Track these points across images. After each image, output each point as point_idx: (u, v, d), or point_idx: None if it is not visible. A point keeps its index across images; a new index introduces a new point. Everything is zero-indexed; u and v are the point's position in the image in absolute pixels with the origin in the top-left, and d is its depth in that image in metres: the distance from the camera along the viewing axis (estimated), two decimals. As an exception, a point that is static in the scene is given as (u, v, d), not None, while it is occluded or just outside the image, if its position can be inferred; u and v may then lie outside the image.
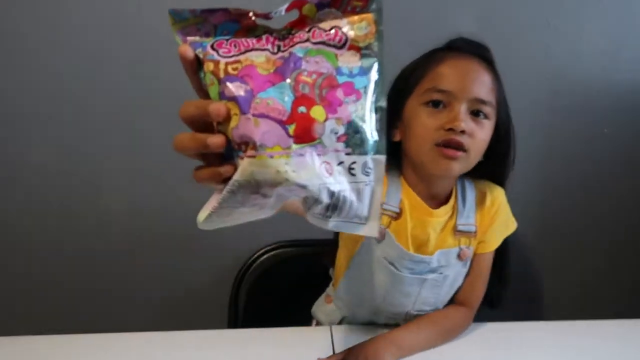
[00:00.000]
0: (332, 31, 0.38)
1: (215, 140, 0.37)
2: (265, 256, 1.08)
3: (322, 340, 0.82)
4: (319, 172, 0.37)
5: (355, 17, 0.39)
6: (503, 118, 0.80)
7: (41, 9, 1.20)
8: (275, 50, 0.38)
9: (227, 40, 0.38)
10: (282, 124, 0.35)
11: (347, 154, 0.38)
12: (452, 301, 0.87)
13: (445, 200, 0.82)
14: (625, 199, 1.41)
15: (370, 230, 0.41)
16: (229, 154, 0.38)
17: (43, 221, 1.32)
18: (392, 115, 0.79)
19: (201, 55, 0.38)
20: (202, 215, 0.40)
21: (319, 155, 0.37)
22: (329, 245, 0.93)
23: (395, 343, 0.77)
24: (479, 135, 0.74)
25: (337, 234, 0.91)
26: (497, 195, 0.85)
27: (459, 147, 0.72)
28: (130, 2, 1.21)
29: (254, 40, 0.38)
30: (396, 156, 0.82)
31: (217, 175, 0.39)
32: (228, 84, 0.36)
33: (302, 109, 0.36)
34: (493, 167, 0.82)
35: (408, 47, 1.29)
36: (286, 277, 1.09)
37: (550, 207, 1.42)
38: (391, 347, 0.76)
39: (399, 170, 0.82)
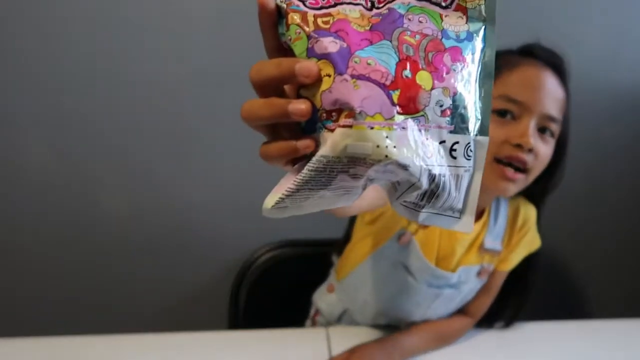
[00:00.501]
0: None
1: (300, 107, 0.30)
2: (265, 256, 1.08)
3: (319, 341, 0.82)
4: (421, 151, 0.30)
5: None
6: (564, 137, 0.75)
7: (41, 9, 1.20)
8: (369, 5, 0.32)
9: None
10: (386, 88, 0.29)
11: (450, 131, 0.32)
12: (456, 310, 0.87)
13: (479, 216, 0.78)
14: (625, 199, 1.41)
15: (464, 225, 0.36)
16: (309, 127, 0.31)
17: (43, 221, 1.32)
18: None
19: (284, 5, 0.31)
20: (270, 200, 0.32)
21: (419, 130, 0.30)
22: (332, 245, 0.93)
23: (397, 347, 0.77)
24: (543, 154, 0.70)
25: (351, 228, 0.88)
26: (530, 216, 0.82)
27: (522, 166, 0.68)
28: (131, 2, 1.21)
29: None
30: None
31: (293, 150, 0.31)
32: (321, 38, 0.30)
33: (407, 73, 0.30)
34: (536, 185, 0.76)
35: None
36: (286, 277, 1.09)
37: (550, 207, 1.41)
38: (394, 351, 0.76)
39: None
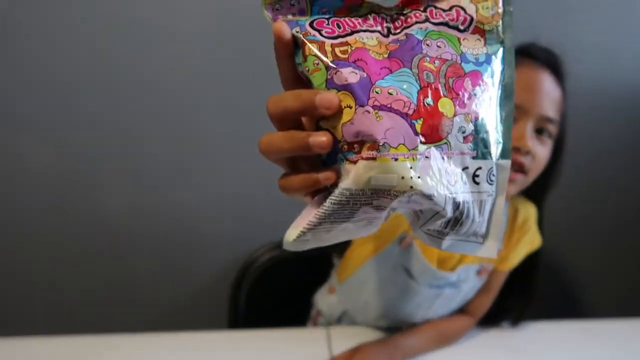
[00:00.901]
0: (454, 11, 0.32)
1: (321, 139, 0.29)
2: (265, 256, 1.08)
3: (320, 341, 0.82)
4: (445, 180, 0.30)
5: None
6: (562, 136, 0.75)
7: (41, 9, 1.20)
8: (386, 32, 0.31)
9: (328, 19, 0.31)
10: (409, 118, 0.29)
11: (473, 157, 0.31)
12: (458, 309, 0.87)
13: None
14: (625, 199, 1.41)
15: (488, 250, 0.35)
16: (330, 159, 0.31)
17: (43, 221, 1.32)
18: None
19: (300, 35, 0.30)
20: (292, 233, 0.32)
21: (442, 158, 0.30)
22: (331, 245, 0.93)
23: (398, 348, 0.77)
24: (541, 156, 0.71)
25: None
26: (530, 215, 0.82)
27: (520, 168, 0.68)
28: (131, 1, 1.21)
29: (360, 20, 0.31)
30: None
31: (314, 183, 0.30)
32: (340, 69, 0.29)
33: (429, 101, 0.29)
34: (536, 185, 0.77)
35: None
36: (286, 277, 1.09)
37: (549, 207, 1.41)
38: (394, 351, 0.76)
39: None
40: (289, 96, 0.30)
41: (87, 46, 1.23)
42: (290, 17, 0.31)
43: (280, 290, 1.10)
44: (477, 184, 0.32)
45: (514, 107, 0.65)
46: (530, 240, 0.83)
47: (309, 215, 0.31)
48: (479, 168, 0.32)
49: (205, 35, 1.25)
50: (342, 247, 0.90)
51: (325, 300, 0.93)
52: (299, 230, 0.31)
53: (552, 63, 0.74)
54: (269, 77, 1.36)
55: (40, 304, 1.36)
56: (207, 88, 1.28)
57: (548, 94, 0.70)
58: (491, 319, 0.87)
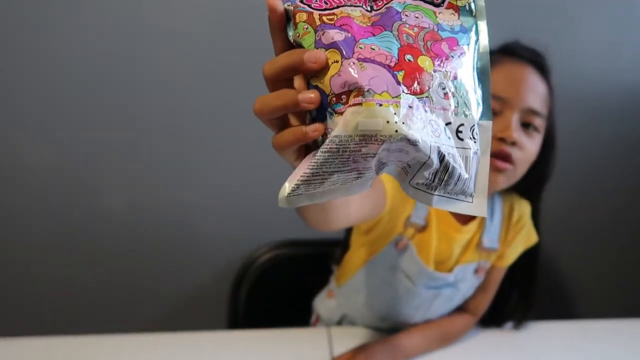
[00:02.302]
0: None
1: (309, 95, 0.31)
2: (265, 256, 1.08)
3: (320, 341, 0.82)
4: (429, 129, 0.31)
5: None
6: (551, 132, 0.77)
7: (41, 9, 1.20)
8: (369, 8, 0.35)
9: None
10: (391, 69, 0.31)
11: (455, 114, 0.33)
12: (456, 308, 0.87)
13: (474, 217, 0.78)
14: (625, 199, 1.41)
15: (477, 208, 0.36)
16: (319, 116, 0.33)
17: (42, 221, 1.32)
18: None
19: (291, 8, 0.33)
20: (286, 188, 0.33)
21: (426, 111, 0.32)
22: (331, 245, 0.93)
23: (401, 347, 0.77)
24: (528, 148, 0.72)
25: (348, 236, 0.88)
26: (525, 212, 0.82)
27: (507, 158, 0.69)
28: (130, 3, 1.21)
29: None
30: None
31: (303, 135, 0.32)
32: (327, 30, 0.32)
33: (409, 57, 0.32)
34: (529, 181, 0.78)
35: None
36: (286, 277, 1.09)
37: (549, 207, 1.41)
38: (396, 351, 0.76)
39: None
40: (281, 56, 0.33)
41: (87, 46, 1.23)
42: None
43: (280, 290, 1.10)
44: (461, 139, 0.33)
45: (500, 99, 0.66)
46: (526, 237, 0.83)
47: (302, 168, 0.32)
48: (462, 124, 0.33)
49: (206, 35, 1.25)
50: (339, 255, 0.90)
51: (324, 304, 0.93)
52: (293, 183, 0.32)
53: (535, 59, 0.75)
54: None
55: (41, 304, 1.36)
56: (207, 88, 1.27)
57: (532, 87, 0.71)
58: (494, 320, 0.87)
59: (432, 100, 0.32)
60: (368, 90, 0.30)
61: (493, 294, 0.84)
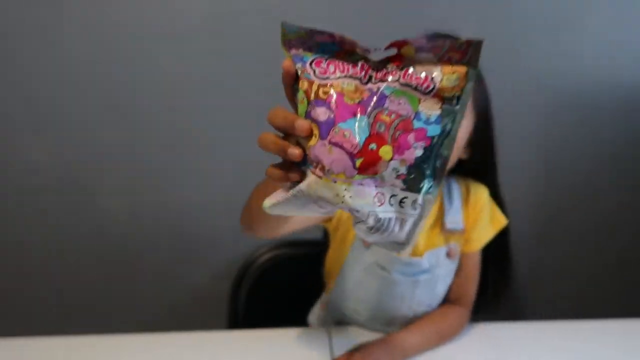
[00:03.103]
0: (423, 75, 0.40)
1: (294, 152, 0.41)
2: (265, 256, 1.08)
3: (320, 341, 0.82)
4: (372, 201, 0.41)
5: (449, 68, 0.40)
6: (480, 111, 0.79)
7: (40, 9, 1.20)
8: (367, 79, 0.41)
9: (326, 59, 0.41)
10: (352, 156, 0.39)
11: (402, 189, 0.41)
12: (446, 301, 0.87)
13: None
14: (625, 199, 1.41)
15: (403, 253, 0.45)
16: (302, 162, 0.42)
17: (43, 221, 1.32)
18: None
19: (299, 72, 0.41)
20: (268, 202, 0.44)
21: (376, 186, 0.41)
22: (328, 245, 0.93)
23: (398, 346, 0.77)
24: None
25: (327, 235, 0.91)
26: (481, 193, 0.85)
27: None
28: (131, 1, 1.21)
29: (350, 66, 0.41)
30: None
31: (285, 179, 0.43)
32: (316, 107, 0.40)
33: (372, 145, 0.40)
34: (477, 163, 0.83)
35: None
36: (286, 277, 1.09)
37: (550, 207, 1.42)
38: (394, 350, 0.76)
39: None
40: (280, 115, 0.42)
41: (87, 46, 1.23)
42: (300, 51, 0.41)
43: (280, 290, 1.10)
44: (402, 207, 0.42)
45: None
46: (493, 220, 0.85)
47: (279, 195, 0.43)
48: (406, 197, 0.42)
49: (206, 38, 1.25)
50: (323, 257, 0.92)
51: (318, 318, 0.94)
52: (272, 202, 0.43)
53: None
54: (268, 80, 1.36)
55: (40, 304, 1.36)
56: (207, 89, 1.28)
57: None
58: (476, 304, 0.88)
59: (384, 179, 0.41)
60: (329, 170, 0.40)
61: (475, 280, 0.86)
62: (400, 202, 0.42)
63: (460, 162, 0.81)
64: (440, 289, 0.85)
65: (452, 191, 0.84)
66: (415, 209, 0.42)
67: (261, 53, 1.26)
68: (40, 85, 1.24)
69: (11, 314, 1.35)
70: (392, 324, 0.85)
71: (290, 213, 0.45)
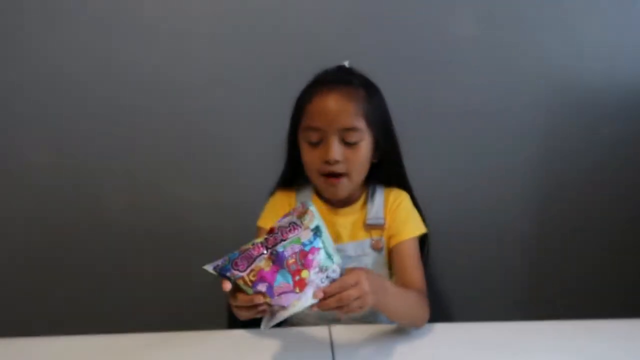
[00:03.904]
0: (291, 227, 0.68)
1: (263, 307, 0.66)
2: (265, 256, 1.08)
3: (321, 340, 0.82)
4: (307, 296, 0.66)
5: (303, 214, 0.69)
6: (376, 122, 0.88)
7: (41, 9, 1.20)
8: (266, 250, 0.66)
9: (238, 257, 0.66)
10: (292, 291, 0.65)
11: (322, 275, 0.67)
12: None
13: (355, 201, 0.95)
14: (625, 199, 1.41)
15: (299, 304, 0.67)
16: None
17: (43, 221, 1.32)
18: (294, 142, 0.91)
19: (233, 279, 0.66)
20: (265, 326, 0.68)
21: (308, 283, 0.66)
22: None
23: (388, 287, 0.75)
24: (354, 158, 0.86)
25: None
26: (400, 195, 0.96)
27: (338, 175, 0.86)
28: (131, 2, 1.21)
29: (252, 251, 0.66)
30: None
31: (255, 314, 0.67)
32: (257, 287, 0.65)
33: (297, 277, 0.65)
34: (388, 169, 0.94)
35: (409, 47, 1.30)
36: (286, 277, 1.09)
37: (550, 207, 1.42)
38: (386, 289, 0.74)
39: (310, 182, 0.94)
40: (242, 298, 0.66)
41: (87, 46, 1.23)
42: (220, 263, 0.67)
43: (280, 290, 1.10)
44: (328, 278, 0.67)
45: (318, 130, 0.85)
46: (408, 218, 0.95)
47: (269, 320, 0.68)
48: (328, 277, 0.67)
49: (207, 36, 1.25)
50: None
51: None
52: (268, 325, 0.67)
53: (340, 79, 0.88)
54: (269, 79, 1.36)
55: (40, 304, 1.37)
56: (207, 88, 1.28)
57: (341, 109, 0.84)
58: None
59: (312, 280, 0.65)
60: (287, 306, 0.65)
61: (417, 269, 0.91)
62: (327, 276, 0.67)
63: (375, 167, 0.92)
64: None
65: (375, 195, 0.95)
66: (329, 278, 0.67)
67: (261, 53, 1.26)
68: (41, 85, 1.24)
69: (11, 313, 1.35)
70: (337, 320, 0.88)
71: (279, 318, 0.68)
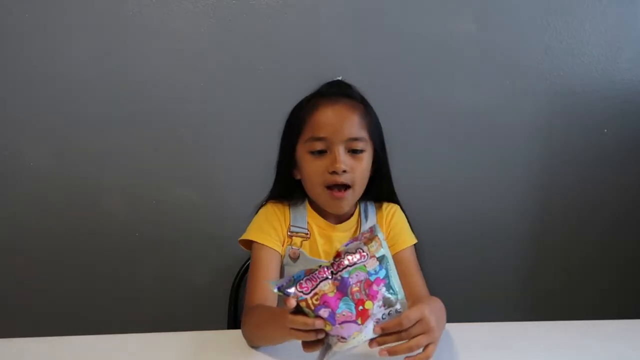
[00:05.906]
0: (358, 253, 0.65)
1: (319, 335, 0.63)
2: (265, 256, 1.08)
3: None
4: (371, 325, 0.64)
5: (370, 240, 0.66)
6: (375, 137, 0.89)
7: (41, 10, 1.20)
8: (331, 275, 0.63)
9: (304, 280, 0.63)
10: (354, 322, 0.62)
11: (385, 311, 0.65)
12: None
13: (348, 217, 0.94)
14: (625, 199, 1.41)
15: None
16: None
17: (43, 221, 1.32)
18: (289, 157, 0.89)
19: (296, 300, 0.62)
20: (319, 359, 0.66)
21: (371, 316, 0.63)
22: None
23: (443, 312, 0.75)
24: (359, 168, 0.86)
25: None
26: (392, 207, 0.97)
27: (344, 186, 0.85)
28: (130, 2, 1.21)
29: (318, 273, 0.63)
30: (301, 186, 0.91)
31: (312, 348, 0.65)
32: (319, 312, 0.62)
33: (361, 307, 0.62)
34: (380, 184, 0.93)
35: (409, 46, 1.30)
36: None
37: (550, 208, 1.42)
38: (442, 311, 0.75)
39: (305, 197, 0.93)
40: (299, 320, 0.62)
41: (87, 47, 1.23)
42: (284, 284, 0.63)
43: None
44: (390, 314, 0.65)
45: (323, 139, 0.85)
46: (409, 230, 0.96)
47: (321, 355, 0.66)
48: (389, 313, 0.65)
49: (207, 36, 1.25)
50: None
51: None
52: (321, 359, 0.66)
53: (343, 92, 0.89)
54: (270, 79, 1.36)
55: (41, 304, 1.36)
56: (207, 88, 1.28)
57: (347, 119, 0.85)
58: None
59: (374, 313, 0.63)
60: (347, 337, 0.62)
61: (418, 276, 0.92)
62: (389, 312, 0.65)
63: (368, 182, 0.91)
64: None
65: (367, 211, 0.95)
66: (398, 312, 0.65)
67: (261, 53, 1.26)
68: (41, 85, 1.24)
69: (11, 314, 1.35)
70: None
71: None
